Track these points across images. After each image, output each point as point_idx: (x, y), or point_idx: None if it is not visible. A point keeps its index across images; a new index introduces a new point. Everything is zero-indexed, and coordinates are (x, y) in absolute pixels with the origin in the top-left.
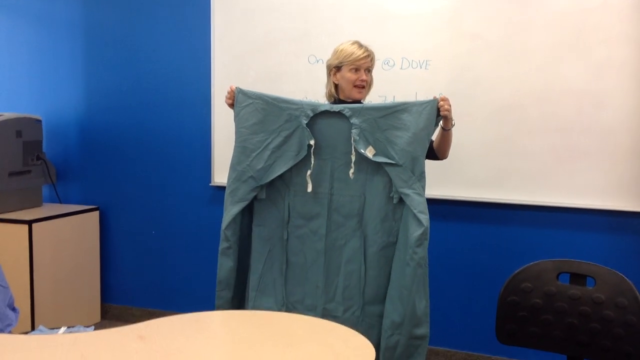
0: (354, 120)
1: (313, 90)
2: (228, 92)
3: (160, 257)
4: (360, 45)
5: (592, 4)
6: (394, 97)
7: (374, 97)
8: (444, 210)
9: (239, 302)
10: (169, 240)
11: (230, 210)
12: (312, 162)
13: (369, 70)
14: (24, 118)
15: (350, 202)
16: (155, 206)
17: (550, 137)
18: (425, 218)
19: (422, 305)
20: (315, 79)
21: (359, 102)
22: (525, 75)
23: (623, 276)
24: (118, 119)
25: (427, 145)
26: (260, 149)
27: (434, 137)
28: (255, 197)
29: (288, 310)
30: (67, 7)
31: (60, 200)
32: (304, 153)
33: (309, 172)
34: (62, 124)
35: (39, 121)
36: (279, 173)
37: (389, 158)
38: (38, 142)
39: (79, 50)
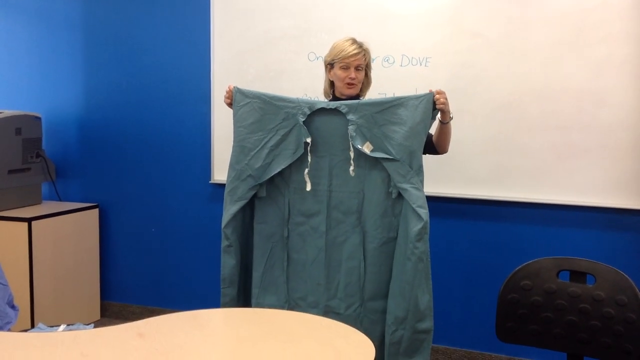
0: (350, 117)
1: (313, 87)
2: (226, 92)
3: (160, 254)
4: (353, 43)
5: (592, 2)
6: (393, 94)
7: (373, 95)
8: (444, 207)
9: (244, 299)
10: (169, 238)
11: (230, 209)
12: (309, 160)
13: (360, 68)
14: (24, 115)
15: (349, 198)
16: (154, 204)
17: (550, 135)
18: (424, 212)
19: (425, 299)
20: (315, 77)
21: (356, 98)
22: (525, 73)
23: (623, 274)
24: (117, 116)
25: (424, 139)
26: (259, 148)
27: (434, 131)
28: (255, 196)
29: (291, 307)
30: (66, 4)
31: (59, 198)
32: (301, 151)
33: (306, 171)
34: (61, 121)
35: (39, 118)
36: (277, 171)
37: (387, 153)
38: (37, 139)
39: (78, 47)
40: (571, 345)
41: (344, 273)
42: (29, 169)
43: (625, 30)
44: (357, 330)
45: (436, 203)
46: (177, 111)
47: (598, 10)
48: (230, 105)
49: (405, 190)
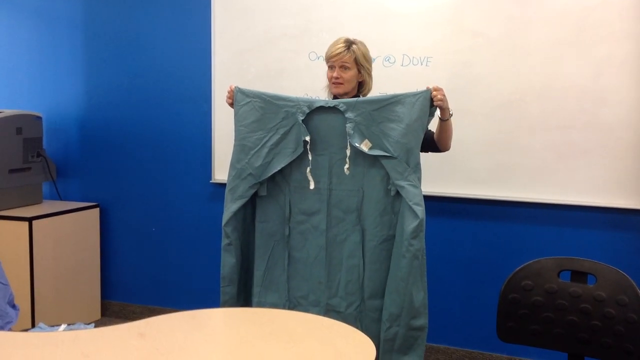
0: (348, 115)
1: (313, 87)
2: (228, 92)
3: (161, 254)
4: (339, 42)
5: (592, 1)
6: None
7: (374, 94)
8: (445, 207)
9: (245, 298)
10: (169, 238)
11: (230, 207)
12: (310, 158)
13: (345, 66)
14: (24, 115)
15: (348, 196)
16: (155, 203)
17: (551, 134)
18: (420, 210)
19: (420, 296)
20: (315, 76)
21: (357, 96)
22: (526, 72)
23: (624, 274)
24: (118, 115)
25: (422, 136)
26: (259, 147)
27: (435, 128)
28: (256, 194)
29: (292, 305)
30: (67, 3)
31: (60, 197)
32: (300, 149)
33: (308, 169)
34: (62, 120)
35: (39, 118)
36: (277, 169)
37: (385, 151)
38: (38, 139)
39: (79, 46)
40: (572, 345)
41: (344, 271)
42: (29, 168)
43: (625, 30)
44: (357, 330)
45: (437, 203)
46: (177, 110)
47: (598, 9)
48: (231, 105)
49: (403, 187)
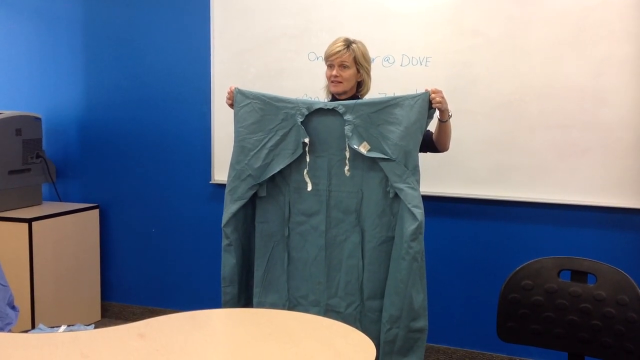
0: (347, 117)
1: (313, 87)
2: (228, 93)
3: (160, 255)
4: (338, 41)
5: (592, 1)
6: (394, 94)
7: (374, 95)
8: (445, 207)
9: (246, 298)
10: (169, 238)
11: (230, 208)
12: (308, 160)
13: (344, 65)
14: (24, 116)
15: (348, 198)
16: (155, 204)
17: (550, 134)
18: (419, 212)
19: (420, 298)
20: (315, 76)
21: (353, 97)
22: (525, 72)
23: (624, 273)
24: (118, 116)
25: (420, 139)
26: (258, 148)
27: (434, 129)
28: (256, 195)
29: (292, 305)
30: (66, 4)
31: (60, 199)
32: (300, 151)
33: (305, 171)
34: (61, 121)
35: (39, 119)
36: (276, 171)
37: (383, 153)
38: (38, 140)
39: (78, 47)
40: (572, 344)
41: (344, 272)
42: (29, 169)
43: (625, 29)
44: (357, 331)
45: (437, 203)
46: (177, 111)
47: (599, 9)
48: (231, 106)
49: (401, 190)
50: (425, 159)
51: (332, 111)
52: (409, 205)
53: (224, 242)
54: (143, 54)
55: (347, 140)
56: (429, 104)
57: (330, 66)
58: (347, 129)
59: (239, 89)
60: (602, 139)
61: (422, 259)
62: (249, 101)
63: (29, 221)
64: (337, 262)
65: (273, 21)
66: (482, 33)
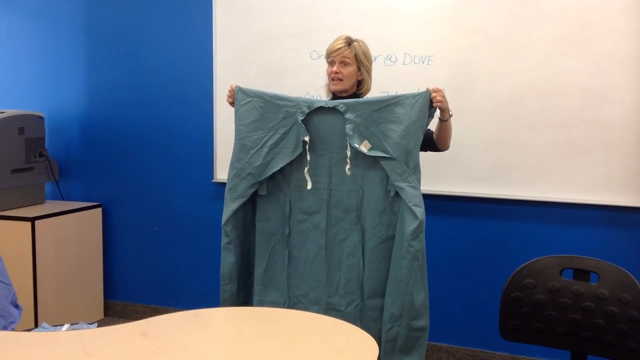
0: (348, 115)
1: (314, 85)
2: (229, 91)
3: (163, 253)
4: (340, 39)
5: None
6: (396, 92)
7: (376, 93)
8: (446, 206)
9: (245, 296)
10: (172, 237)
11: (230, 206)
12: (308, 158)
13: (345, 62)
14: (26, 115)
15: (348, 196)
16: (157, 203)
17: (552, 132)
18: (420, 211)
19: (421, 297)
20: (316, 75)
21: (355, 96)
22: (527, 69)
23: (626, 272)
24: (120, 115)
25: (421, 138)
26: (259, 146)
27: (434, 127)
28: (257, 194)
29: (292, 304)
30: (69, 3)
31: (62, 197)
32: (300, 149)
33: (306, 169)
34: (64, 120)
35: (41, 118)
36: (276, 169)
37: (384, 152)
38: (40, 139)
39: (80, 46)
40: (574, 343)
41: (344, 270)
42: (32, 168)
43: (627, 27)
44: (359, 329)
45: (438, 201)
46: (179, 110)
47: (600, 6)
48: (232, 104)
49: (402, 188)
50: (426, 158)
51: (333, 110)
52: (410, 204)
53: (224, 240)
54: (145, 52)
55: (348, 138)
56: (430, 102)
57: (331, 63)
58: (348, 127)
59: (239, 87)
60: (604, 137)
61: (423, 258)
62: (249, 99)
63: (32, 220)
64: (338, 260)
65: (275, 20)
66: (483, 31)
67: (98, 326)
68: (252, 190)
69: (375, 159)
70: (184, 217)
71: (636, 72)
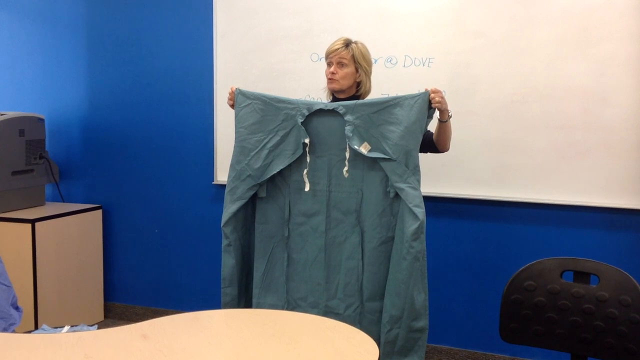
0: (347, 117)
1: (315, 88)
2: (229, 94)
3: (163, 255)
4: (340, 40)
5: (595, 1)
6: (396, 94)
7: (376, 95)
8: (447, 208)
9: (246, 299)
10: (172, 239)
11: (229, 208)
12: (308, 160)
13: (342, 63)
14: (27, 117)
15: (348, 198)
16: (158, 205)
17: (553, 135)
18: (420, 212)
19: (421, 298)
20: (317, 77)
21: (355, 98)
22: (528, 72)
23: (627, 274)
24: (121, 117)
25: (420, 138)
26: (258, 148)
27: (434, 129)
28: (256, 196)
29: (291, 307)
30: (69, 5)
31: (63, 199)
32: (300, 151)
33: (305, 171)
34: (64, 122)
35: (42, 120)
36: (276, 171)
37: (384, 153)
38: (41, 140)
39: (81, 48)
40: (575, 345)
41: (343, 273)
42: (32, 170)
43: (628, 29)
44: (360, 331)
45: (439, 203)
46: (180, 112)
47: (601, 9)
48: (232, 106)
49: (402, 189)
50: (427, 160)
51: (333, 112)
52: (410, 205)
53: (224, 242)
54: (146, 55)
55: (347, 140)
56: (429, 103)
57: (329, 64)
58: (348, 129)
59: (240, 90)
60: (605, 139)
61: (424, 259)
62: (249, 102)
63: (32, 222)
64: (337, 263)
65: (275, 22)
66: (484, 34)
67: (98, 328)
68: (251, 192)
69: (374, 160)
70: (184, 218)
71: (637, 74)
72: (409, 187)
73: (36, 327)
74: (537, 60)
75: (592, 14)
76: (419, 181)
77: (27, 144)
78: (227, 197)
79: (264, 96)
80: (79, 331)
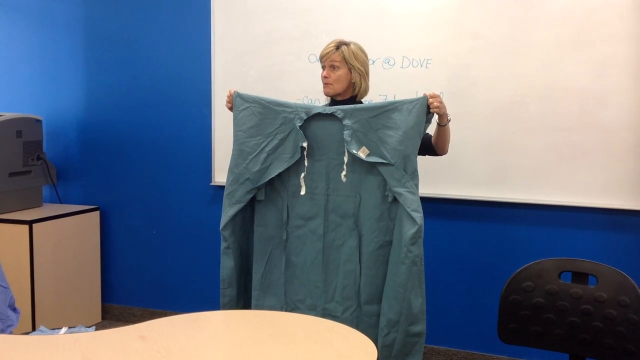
0: (346, 122)
1: (313, 89)
2: (227, 96)
3: (161, 257)
4: (332, 43)
5: (593, 2)
6: (394, 96)
7: (374, 96)
8: (445, 209)
9: (245, 300)
10: (170, 240)
11: (228, 211)
12: (306, 164)
13: (335, 65)
14: (24, 118)
15: (346, 202)
16: (155, 206)
17: (551, 136)
18: (419, 216)
19: (418, 302)
20: (315, 78)
21: (353, 99)
22: (526, 73)
23: (625, 274)
24: (118, 118)
25: (419, 143)
26: (257, 152)
27: (433, 132)
28: (255, 199)
29: (290, 309)
30: (67, 6)
31: (60, 201)
32: (298, 155)
33: (302, 175)
34: (62, 123)
35: (39, 121)
36: (274, 175)
37: (382, 158)
38: (38, 142)
39: (78, 49)
40: (573, 346)
41: (341, 276)
42: (29, 171)
43: (627, 31)
44: (358, 332)
45: (437, 204)
46: (178, 113)
47: (600, 10)
48: (231, 109)
49: (400, 194)
50: (426, 161)
51: (331, 116)
52: (408, 209)
53: (223, 245)
54: (143, 56)
55: (346, 145)
56: (427, 108)
57: (323, 68)
58: (346, 134)
59: (238, 93)
60: (603, 140)
61: (421, 263)
62: (248, 105)
63: (30, 223)
64: (335, 266)
65: (273, 23)
66: (482, 35)
67: (96, 329)
68: (250, 196)
69: (372, 164)
70: (182, 220)
71: (635, 75)
72: (407, 191)
73: (34, 329)
74: (535, 61)
75: (590, 15)
76: (417, 186)
77: (24, 145)
78: (225, 201)
79: (263, 99)
80: (77, 332)
